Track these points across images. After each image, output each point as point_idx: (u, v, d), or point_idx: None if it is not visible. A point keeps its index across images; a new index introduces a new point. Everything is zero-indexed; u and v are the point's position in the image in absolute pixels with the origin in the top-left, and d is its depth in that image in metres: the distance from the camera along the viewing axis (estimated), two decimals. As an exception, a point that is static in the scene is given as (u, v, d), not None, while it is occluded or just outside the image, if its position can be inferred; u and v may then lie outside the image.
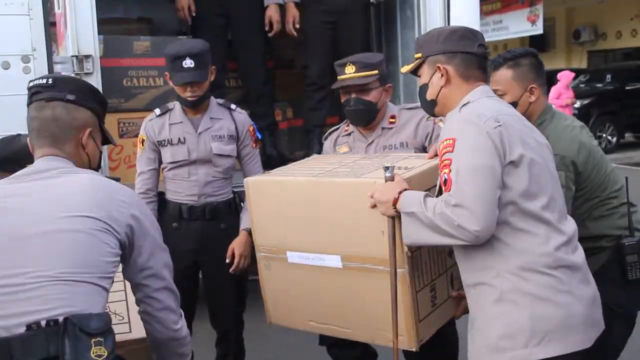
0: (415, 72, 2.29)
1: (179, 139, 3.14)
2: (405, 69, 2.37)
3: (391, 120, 3.01)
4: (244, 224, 3.14)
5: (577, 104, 13.11)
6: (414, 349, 2.31)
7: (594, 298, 2.04)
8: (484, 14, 13.40)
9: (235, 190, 3.26)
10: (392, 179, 2.16)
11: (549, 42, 20.53)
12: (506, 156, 1.95)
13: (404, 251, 2.20)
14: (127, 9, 4.93)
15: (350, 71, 2.90)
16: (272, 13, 4.32)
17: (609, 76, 14.83)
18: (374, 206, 2.19)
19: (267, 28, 4.34)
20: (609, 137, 13.52)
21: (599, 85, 14.73)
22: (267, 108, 4.60)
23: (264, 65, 4.55)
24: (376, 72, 2.93)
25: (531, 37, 16.91)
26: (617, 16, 18.57)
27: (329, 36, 4.32)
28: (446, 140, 2.01)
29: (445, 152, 2.00)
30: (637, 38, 18.38)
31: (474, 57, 2.19)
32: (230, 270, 3.08)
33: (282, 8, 4.39)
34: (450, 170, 1.96)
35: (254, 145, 3.33)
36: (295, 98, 4.92)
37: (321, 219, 2.41)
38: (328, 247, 2.41)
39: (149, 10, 4.96)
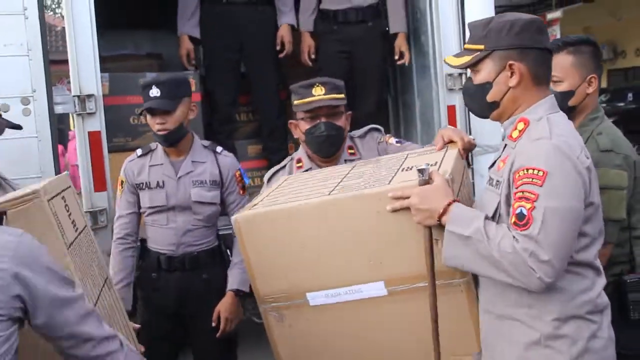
0: (471, 65, 1.95)
1: (158, 182, 2.95)
2: (457, 61, 1.99)
3: (350, 151, 2.77)
4: (230, 284, 2.93)
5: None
6: None
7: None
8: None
9: (223, 232, 3.08)
10: (427, 182, 1.88)
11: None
12: (586, 199, 1.77)
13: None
14: (136, 45, 4.89)
15: (319, 93, 2.62)
16: (284, 33, 4.23)
17: (630, 95, 14.65)
18: (396, 210, 1.92)
19: (278, 48, 4.23)
20: (633, 158, 13.24)
21: (621, 104, 14.53)
22: (281, 142, 4.45)
23: (278, 98, 4.40)
24: (344, 95, 2.71)
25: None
26: (636, 33, 18.37)
27: (344, 66, 4.18)
28: (533, 169, 1.72)
29: (529, 184, 1.72)
30: (657, 55, 18.17)
31: (547, 55, 1.93)
32: (217, 335, 2.88)
33: (296, 34, 4.30)
34: (533, 207, 1.69)
35: (241, 192, 3.08)
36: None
37: (347, 242, 2.03)
38: (364, 274, 2.03)
39: (159, 45, 4.93)
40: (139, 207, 3.01)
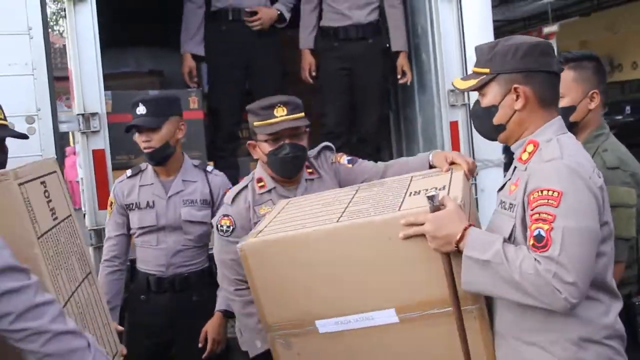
0: (477, 89, 1.96)
1: (148, 202, 2.95)
2: (463, 84, 2.00)
3: (309, 170, 2.72)
4: (219, 304, 2.90)
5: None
6: None
7: None
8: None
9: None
10: (438, 208, 1.85)
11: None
12: (601, 218, 1.76)
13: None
14: (138, 63, 4.89)
15: (282, 113, 2.52)
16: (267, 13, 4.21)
17: (628, 107, 14.66)
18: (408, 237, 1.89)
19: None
20: (631, 170, 13.28)
21: (618, 117, 14.55)
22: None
23: None
24: (304, 114, 2.63)
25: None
26: (632, 46, 18.44)
27: (345, 83, 4.19)
28: (548, 190, 1.71)
29: (545, 205, 1.70)
30: (653, 68, 18.24)
31: (554, 77, 1.92)
32: (203, 356, 2.85)
33: (296, 52, 4.31)
34: (551, 228, 1.67)
35: None
36: (311, 144, 4.79)
37: (357, 270, 1.99)
38: (375, 302, 2.00)
39: (160, 63, 4.91)
40: (129, 229, 2.99)
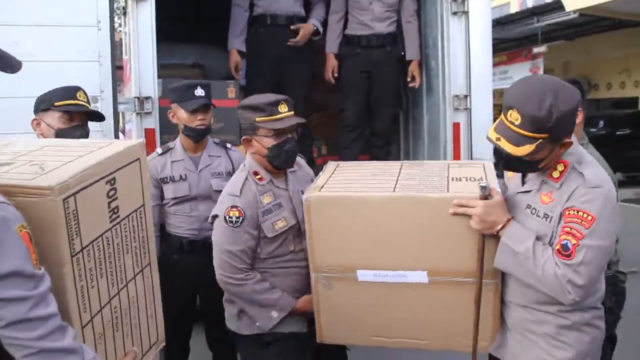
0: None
1: (181, 175, 2.99)
2: (518, 150, 1.83)
3: None
4: None
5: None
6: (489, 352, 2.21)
7: None
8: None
9: None
10: (485, 197, 1.97)
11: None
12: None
13: (492, 264, 2.02)
14: (183, 56, 4.90)
15: (284, 110, 2.39)
16: (306, 30, 4.24)
17: (601, 122, 14.63)
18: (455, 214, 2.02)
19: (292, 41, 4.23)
20: (602, 176, 13.28)
21: (593, 130, 14.50)
22: (307, 146, 4.53)
23: (306, 109, 4.42)
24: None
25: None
26: (607, 70, 18.42)
27: (364, 84, 4.25)
28: (584, 213, 1.82)
29: (577, 224, 1.82)
30: (624, 89, 18.20)
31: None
32: None
33: (321, 54, 4.37)
34: (577, 244, 1.82)
35: None
36: (329, 137, 4.84)
37: (403, 235, 2.09)
38: (411, 263, 2.11)
39: (203, 56, 4.93)
40: (161, 200, 3.01)
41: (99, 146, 1.75)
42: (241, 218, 2.34)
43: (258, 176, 2.44)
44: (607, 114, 16.07)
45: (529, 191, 2.01)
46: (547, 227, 1.92)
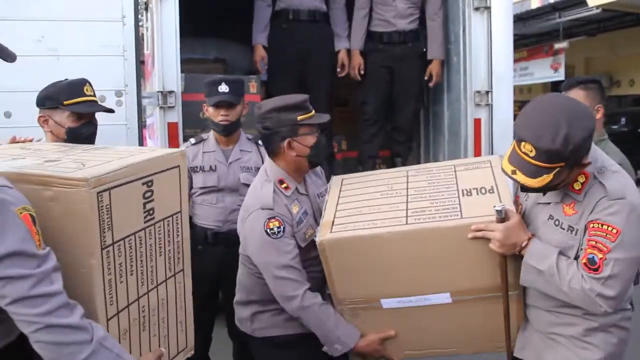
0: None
1: (211, 166, 3.03)
2: (536, 182, 1.80)
3: None
4: None
5: (595, 144, 12.78)
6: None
7: None
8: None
9: None
10: (502, 220, 1.94)
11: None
12: None
13: (516, 278, 2.03)
14: (205, 50, 4.93)
15: (311, 107, 2.35)
16: (343, 56, 4.32)
17: (623, 119, 14.45)
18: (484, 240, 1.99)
19: (338, 69, 4.31)
20: (623, 174, 13.14)
21: (615, 127, 14.34)
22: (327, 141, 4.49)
23: (329, 104, 4.42)
24: None
25: (552, 82, 16.58)
26: (630, 66, 18.13)
27: (386, 80, 4.27)
28: (609, 226, 1.79)
29: (603, 237, 1.79)
30: (648, 86, 17.94)
31: None
32: None
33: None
34: (604, 258, 1.79)
35: None
36: (349, 133, 4.84)
37: (421, 263, 2.09)
38: (433, 287, 2.13)
39: (224, 51, 4.96)
40: (190, 189, 3.02)
41: (141, 151, 1.84)
42: (282, 227, 2.21)
43: (284, 185, 2.33)
44: (629, 110, 15.86)
45: (550, 203, 1.98)
46: (573, 239, 1.89)
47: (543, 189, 1.89)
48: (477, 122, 3.81)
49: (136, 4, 3.21)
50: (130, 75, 3.20)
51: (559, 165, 1.78)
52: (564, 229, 1.91)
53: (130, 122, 3.22)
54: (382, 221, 2.14)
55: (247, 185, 2.65)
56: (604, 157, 1.94)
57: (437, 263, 2.09)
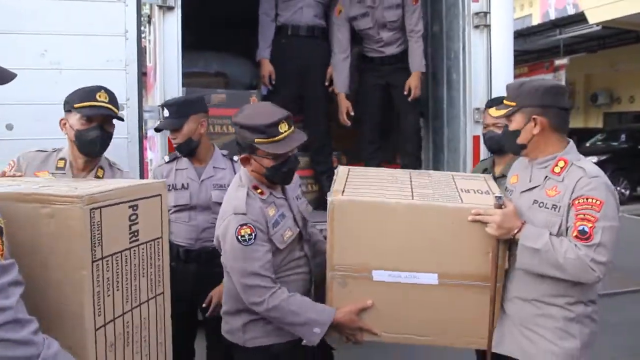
0: (506, 116, 2.28)
1: (183, 184, 3.00)
2: (497, 113, 2.35)
3: None
4: None
5: (595, 160, 12.80)
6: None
7: None
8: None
9: None
10: (500, 206, 2.18)
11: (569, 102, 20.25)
12: None
13: (503, 268, 2.25)
14: (206, 65, 4.96)
15: (285, 129, 2.25)
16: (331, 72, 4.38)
17: (623, 136, 14.48)
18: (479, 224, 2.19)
19: (327, 83, 4.34)
20: (623, 190, 13.12)
21: (615, 143, 14.38)
22: (327, 156, 4.52)
23: (326, 119, 4.46)
24: None
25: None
26: (630, 83, 18.22)
27: (382, 97, 4.36)
28: (593, 199, 2.07)
29: (589, 209, 2.07)
30: (647, 103, 18.01)
31: (564, 112, 2.24)
32: (207, 314, 2.86)
33: None
34: (593, 226, 2.05)
35: None
36: (348, 148, 4.86)
37: (418, 240, 2.24)
38: (424, 266, 2.26)
39: (226, 66, 4.98)
40: None
41: (126, 181, 2.11)
42: (253, 234, 2.22)
43: (259, 190, 2.34)
44: (629, 127, 15.91)
45: (535, 187, 2.26)
46: (556, 216, 2.15)
47: (511, 145, 2.30)
48: (476, 139, 3.82)
49: (139, 19, 3.22)
50: (132, 89, 3.20)
51: (512, 104, 2.24)
52: (548, 208, 2.18)
53: (132, 135, 3.22)
54: (390, 194, 2.30)
55: (219, 204, 2.56)
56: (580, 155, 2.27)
57: (432, 243, 2.24)
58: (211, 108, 4.05)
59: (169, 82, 3.36)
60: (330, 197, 2.27)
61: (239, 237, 2.22)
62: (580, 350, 2.18)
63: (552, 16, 17.59)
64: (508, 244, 2.23)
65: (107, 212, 1.70)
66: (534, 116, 2.19)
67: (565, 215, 2.13)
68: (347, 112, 4.31)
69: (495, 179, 2.73)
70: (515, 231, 2.16)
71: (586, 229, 2.05)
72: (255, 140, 2.24)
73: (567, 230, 2.12)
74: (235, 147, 2.40)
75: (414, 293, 2.28)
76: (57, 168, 2.54)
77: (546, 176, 2.23)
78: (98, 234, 1.67)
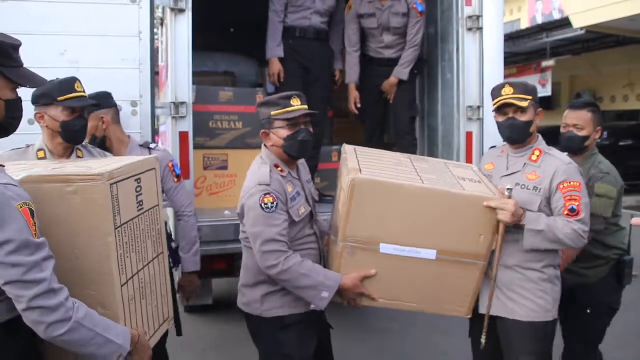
0: (524, 107, 2.49)
1: None
2: (521, 103, 2.47)
3: None
4: (187, 268, 2.97)
5: (579, 156, 12.83)
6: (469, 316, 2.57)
7: None
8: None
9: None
10: (510, 197, 2.38)
11: (555, 103, 20.13)
12: None
13: (490, 249, 2.44)
14: (215, 64, 4.95)
15: (297, 103, 2.45)
16: (338, 75, 4.48)
17: (605, 133, 14.47)
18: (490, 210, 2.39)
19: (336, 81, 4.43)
20: (605, 185, 13.17)
21: (598, 140, 14.36)
22: (317, 152, 4.42)
23: (327, 119, 4.47)
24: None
25: (540, 97, 16.60)
26: (611, 84, 18.26)
27: (380, 97, 4.37)
28: (573, 182, 2.42)
29: (574, 191, 2.41)
30: (628, 102, 18.01)
31: None
32: (189, 303, 2.94)
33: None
34: (580, 204, 2.39)
35: (176, 179, 2.97)
36: (350, 142, 4.82)
37: (423, 219, 2.38)
38: (425, 242, 2.41)
39: (233, 65, 4.98)
40: None
41: (126, 158, 2.24)
42: (275, 203, 2.36)
43: (279, 169, 2.47)
44: (611, 125, 15.88)
45: (515, 173, 2.55)
46: (538, 196, 2.47)
47: (523, 133, 2.52)
48: (469, 135, 3.84)
49: (152, 20, 3.22)
50: (145, 87, 3.21)
51: (529, 98, 2.49)
52: (529, 189, 2.49)
53: (144, 130, 3.23)
54: (403, 177, 2.43)
55: None
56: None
57: (435, 222, 2.39)
58: (219, 105, 4.09)
59: (179, 81, 3.35)
60: (350, 175, 2.33)
61: (263, 204, 2.35)
62: (552, 304, 2.51)
63: (540, 21, 17.53)
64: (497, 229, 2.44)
65: (121, 186, 1.87)
66: (540, 110, 2.52)
67: (546, 196, 2.46)
68: (355, 102, 4.35)
69: None
70: (522, 218, 2.39)
71: (575, 207, 2.39)
72: (272, 113, 2.46)
73: (554, 210, 2.45)
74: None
75: (413, 266, 2.43)
76: (39, 159, 2.50)
77: (525, 163, 2.54)
78: (117, 205, 1.84)
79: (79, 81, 2.53)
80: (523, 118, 2.50)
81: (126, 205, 1.91)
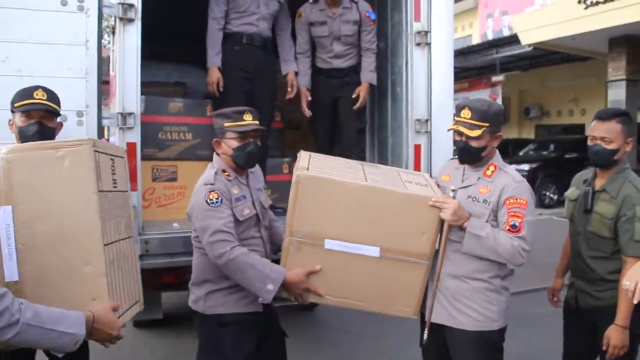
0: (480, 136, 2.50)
1: None
2: (472, 133, 2.48)
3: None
4: None
5: (527, 168, 13.18)
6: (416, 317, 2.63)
7: None
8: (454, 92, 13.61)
9: None
10: (454, 198, 2.48)
11: (505, 117, 20.76)
12: None
13: (433, 248, 2.48)
14: (167, 75, 4.91)
15: (249, 118, 2.68)
16: (292, 78, 4.35)
17: (552, 146, 14.97)
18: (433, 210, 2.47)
19: (289, 89, 4.33)
20: (552, 195, 13.60)
21: (544, 152, 14.85)
22: (277, 162, 4.48)
23: (269, 123, 4.37)
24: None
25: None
26: (558, 98, 18.87)
27: (331, 108, 4.38)
28: (520, 199, 2.45)
29: (518, 208, 2.44)
30: (573, 117, 18.65)
31: None
32: None
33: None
34: (522, 221, 2.43)
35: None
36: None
37: (367, 216, 2.42)
38: (369, 239, 2.45)
39: (185, 76, 4.94)
40: None
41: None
42: (220, 199, 2.53)
43: (226, 173, 2.67)
44: (557, 138, 16.45)
45: (469, 186, 2.58)
46: (486, 209, 2.50)
47: (474, 156, 2.54)
48: (417, 147, 3.88)
49: (99, 29, 3.15)
50: (91, 96, 3.12)
51: (485, 125, 2.48)
52: (479, 202, 2.52)
53: (91, 140, 3.14)
54: (349, 176, 2.49)
55: None
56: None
57: (378, 220, 2.43)
58: (169, 116, 4.04)
59: (127, 91, 3.27)
60: (296, 172, 2.43)
61: (208, 200, 2.52)
62: (498, 314, 2.53)
63: (490, 37, 18.08)
64: (440, 230, 2.49)
65: (101, 158, 2.09)
66: (499, 134, 2.54)
67: (495, 209, 2.49)
68: (307, 105, 4.31)
69: (594, 192, 2.74)
70: (464, 220, 2.45)
71: (516, 224, 2.42)
72: (225, 124, 2.67)
73: (499, 224, 2.47)
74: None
75: (357, 263, 2.47)
76: None
77: (479, 177, 2.58)
78: (99, 171, 2.06)
79: (43, 89, 2.61)
80: (474, 144, 2.50)
81: (105, 176, 2.11)
